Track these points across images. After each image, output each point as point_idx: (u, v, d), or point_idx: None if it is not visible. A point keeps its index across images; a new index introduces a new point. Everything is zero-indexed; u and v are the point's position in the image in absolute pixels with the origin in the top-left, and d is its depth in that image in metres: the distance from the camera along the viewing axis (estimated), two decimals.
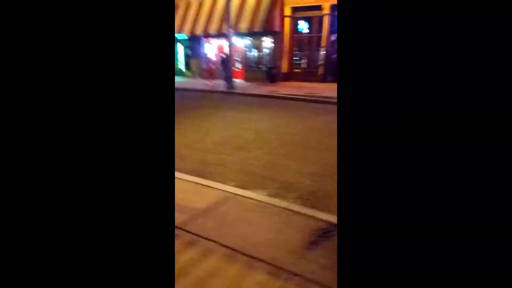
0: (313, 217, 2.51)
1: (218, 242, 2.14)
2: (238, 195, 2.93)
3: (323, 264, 1.93)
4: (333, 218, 2.50)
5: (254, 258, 1.98)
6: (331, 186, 3.39)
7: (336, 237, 2.22)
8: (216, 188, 3.07)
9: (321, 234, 2.27)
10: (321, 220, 2.46)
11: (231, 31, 12.07)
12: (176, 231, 2.29)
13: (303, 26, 13.89)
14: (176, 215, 2.52)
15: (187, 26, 15.97)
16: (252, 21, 13.78)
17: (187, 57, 18.21)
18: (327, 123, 6.59)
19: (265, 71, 14.31)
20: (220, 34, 14.77)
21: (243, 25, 13.96)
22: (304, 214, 2.56)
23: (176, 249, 2.07)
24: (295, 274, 1.83)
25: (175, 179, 3.27)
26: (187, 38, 16.71)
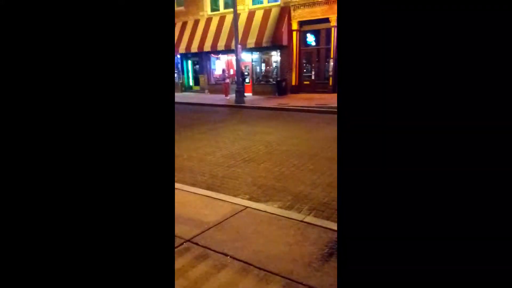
0: (328, 229, 2.43)
1: (230, 256, 2.09)
2: (251, 208, 2.88)
3: None
4: None
5: (268, 271, 1.91)
6: None
7: None
8: (228, 201, 3.02)
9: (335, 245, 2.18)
10: (335, 230, 2.38)
11: (239, 46, 12.27)
12: (188, 245, 2.24)
13: (311, 39, 14.04)
14: (187, 228, 2.49)
15: (196, 43, 16.35)
16: (260, 36, 14.02)
17: (195, 72, 18.58)
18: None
19: (274, 84, 14.42)
20: (228, 50, 15.05)
21: (251, 40, 14.20)
22: (319, 226, 2.48)
23: (187, 263, 2.02)
24: (311, 287, 1.75)
25: (186, 193, 3.26)
26: (196, 54, 17.09)
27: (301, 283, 1.79)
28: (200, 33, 16.27)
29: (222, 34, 15.43)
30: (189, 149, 5.64)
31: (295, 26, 13.80)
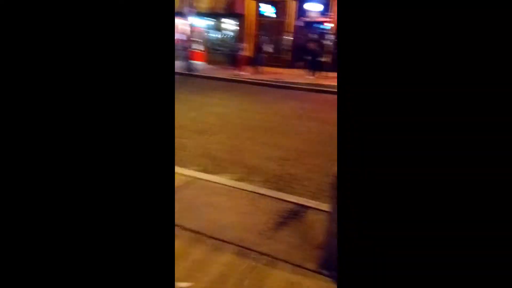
0: (279, 199, 2.50)
1: (181, 226, 2.04)
2: (202, 179, 2.83)
3: (291, 243, 1.93)
4: (299, 200, 2.52)
5: (221, 240, 1.92)
6: (296, 169, 3.43)
7: (302, 217, 2.24)
8: (179, 173, 2.92)
9: (288, 215, 2.27)
10: (288, 201, 2.47)
11: (192, 10, 11.54)
12: None
13: (268, 10, 13.73)
14: None
15: None
16: (215, 2, 13.31)
17: None
18: (292, 109, 6.64)
19: (229, 55, 14.01)
20: (179, 13, 14.07)
21: (205, 5, 13.43)
22: (271, 197, 2.54)
23: None
24: (264, 254, 1.81)
25: None
26: None
27: (253, 250, 1.83)
28: None
29: None
30: None
31: None
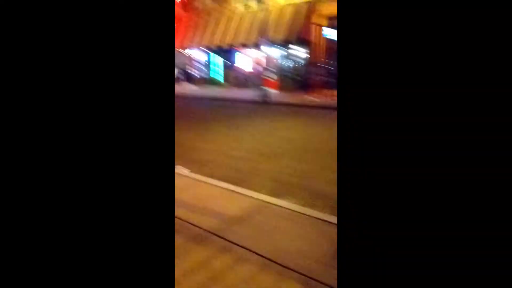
0: None
1: (251, 250, 2.18)
2: (271, 203, 2.95)
3: None
4: None
5: (287, 268, 1.98)
6: None
7: None
8: (250, 196, 3.11)
9: None
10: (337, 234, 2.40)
11: (267, 42, 12.27)
12: (211, 237, 2.36)
13: (333, 34, 13.73)
14: (209, 220, 2.60)
15: (227, 38, 16.57)
16: (289, 32, 13.93)
17: (224, 67, 18.78)
18: None
19: (300, 81, 14.31)
20: (257, 45, 15.09)
21: (280, 36, 14.15)
22: (335, 224, 2.50)
23: (211, 255, 2.13)
24: (328, 285, 1.81)
25: (210, 186, 3.39)
26: (225, 49, 17.31)
27: (317, 281, 1.85)
28: (232, 29, 16.45)
29: (252, 30, 15.49)
30: (215, 144, 5.79)
31: (322, 21, 13.57)
